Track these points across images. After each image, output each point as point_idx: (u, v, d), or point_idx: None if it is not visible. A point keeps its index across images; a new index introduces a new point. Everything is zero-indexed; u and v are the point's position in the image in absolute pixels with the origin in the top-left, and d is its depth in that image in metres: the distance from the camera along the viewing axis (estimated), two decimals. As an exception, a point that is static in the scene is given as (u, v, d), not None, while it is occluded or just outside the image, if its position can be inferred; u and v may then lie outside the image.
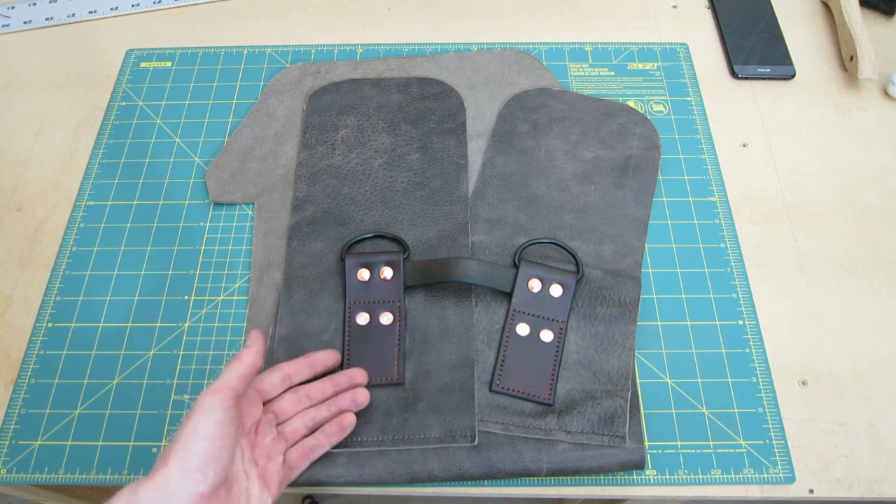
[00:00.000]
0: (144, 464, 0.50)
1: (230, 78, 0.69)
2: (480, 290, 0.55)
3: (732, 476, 0.49)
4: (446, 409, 0.50)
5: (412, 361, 0.52)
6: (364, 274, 0.55)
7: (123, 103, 0.68)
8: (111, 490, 0.39)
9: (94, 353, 0.54)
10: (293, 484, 0.48)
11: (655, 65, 0.70)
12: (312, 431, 0.48)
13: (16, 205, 0.62)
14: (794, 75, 0.69)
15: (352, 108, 0.65)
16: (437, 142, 0.63)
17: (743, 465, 0.49)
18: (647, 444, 0.50)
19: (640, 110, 0.66)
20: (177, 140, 0.65)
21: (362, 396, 0.49)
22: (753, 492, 0.49)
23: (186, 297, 0.57)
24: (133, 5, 0.75)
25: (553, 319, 0.53)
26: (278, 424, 0.47)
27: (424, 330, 0.54)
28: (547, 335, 0.53)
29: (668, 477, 0.49)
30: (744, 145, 0.65)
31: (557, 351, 0.52)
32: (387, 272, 0.55)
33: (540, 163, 0.62)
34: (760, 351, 0.54)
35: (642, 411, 0.51)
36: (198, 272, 0.58)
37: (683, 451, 0.50)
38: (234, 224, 0.60)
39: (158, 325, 0.55)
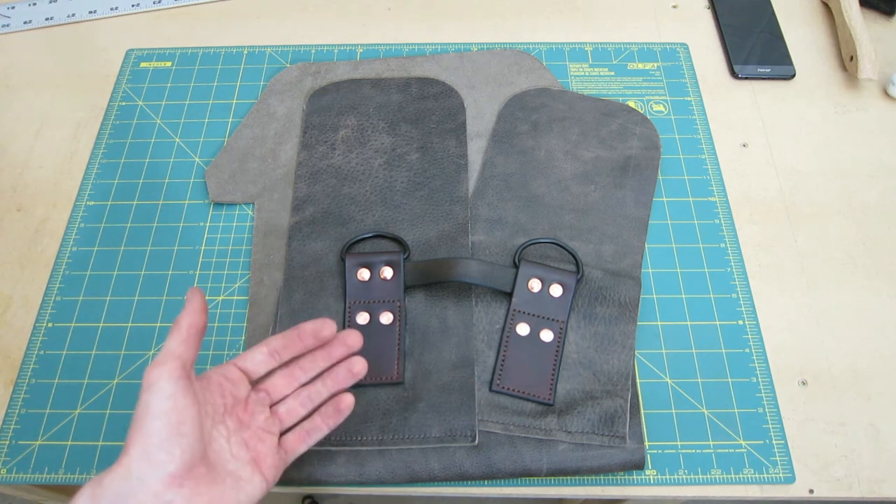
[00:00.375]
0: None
1: (230, 78, 0.69)
2: (480, 290, 0.55)
3: (732, 476, 0.49)
4: (446, 409, 0.50)
5: (412, 361, 0.52)
6: (364, 274, 0.55)
7: (123, 103, 0.68)
8: (82, 487, 0.38)
9: (94, 353, 0.54)
10: (293, 483, 0.48)
11: (655, 65, 0.70)
12: (310, 411, 0.45)
13: (16, 205, 0.62)
14: (794, 75, 0.69)
15: (352, 108, 0.65)
16: (437, 142, 0.63)
17: (743, 465, 0.49)
18: (647, 444, 0.50)
19: (640, 110, 0.66)
20: (177, 140, 0.65)
21: (359, 366, 0.46)
22: (753, 492, 0.49)
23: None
24: (133, 5, 0.75)
25: (553, 319, 0.53)
26: (272, 405, 0.44)
27: (424, 330, 0.54)
28: (547, 335, 0.53)
29: (668, 477, 0.49)
30: (744, 145, 0.65)
31: (557, 351, 0.52)
32: (387, 272, 0.55)
33: (540, 163, 0.62)
34: (760, 351, 0.54)
35: (642, 411, 0.51)
36: (198, 272, 0.58)
37: (683, 451, 0.50)
38: (234, 224, 0.60)
39: (158, 325, 0.55)
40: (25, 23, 0.74)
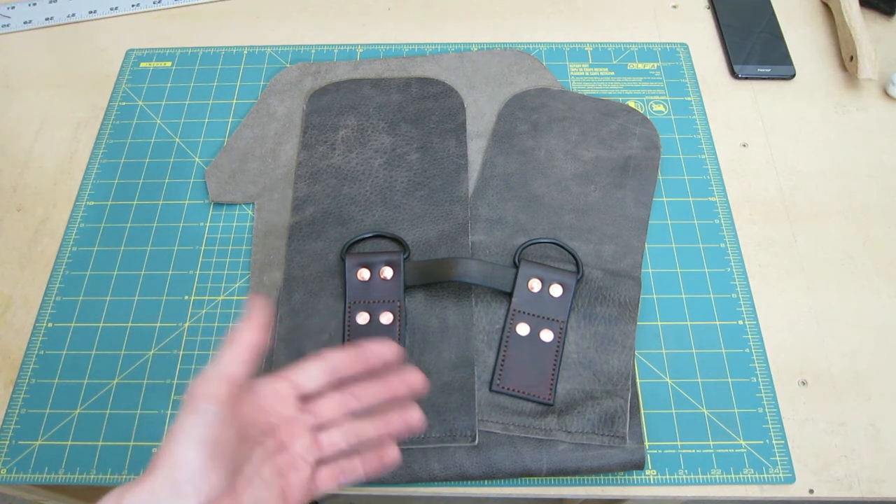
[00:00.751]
0: (144, 464, 0.50)
1: (230, 78, 0.69)
2: (480, 290, 0.55)
3: (732, 476, 0.49)
4: (446, 409, 0.50)
5: (412, 361, 0.52)
6: (364, 274, 0.55)
7: (123, 103, 0.68)
8: (111, 490, 0.38)
9: (94, 353, 0.54)
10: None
11: (655, 65, 0.70)
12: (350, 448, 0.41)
13: (16, 205, 0.62)
14: (794, 75, 0.69)
15: (352, 108, 0.65)
16: (437, 142, 0.63)
17: (743, 465, 0.49)
18: (647, 444, 0.50)
19: (640, 110, 0.66)
20: (177, 140, 0.65)
21: (416, 418, 0.41)
22: (753, 492, 0.49)
23: (186, 297, 0.57)
24: (133, 5, 0.75)
25: (553, 319, 0.53)
26: (315, 429, 0.40)
27: (424, 330, 0.54)
28: (547, 335, 0.53)
29: (668, 477, 0.49)
30: (744, 145, 0.65)
31: (557, 351, 0.52)
32: (387, 272, 0.55)
33: (540, 163, 0.62)
34: (760, 351, 0.54)
35: (642, 411, 0.51)
36: (198, 272, 0.58)
37: (683, 451, 0.50)
38: (234, 224, 0.60)
39: (158, 325, 0.55)
40: (25, 23, 0.74)
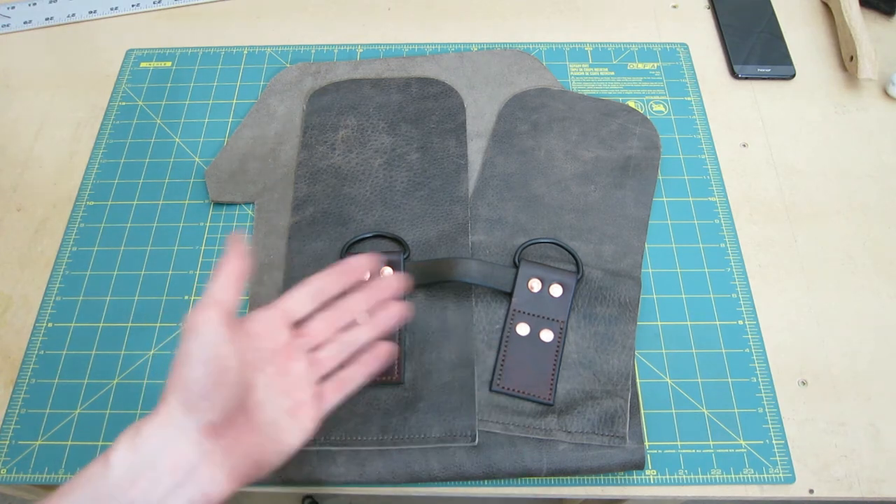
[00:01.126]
0: (144, 464, 0.50)
1: (230, 78, 0.69)
2: (480, 290, 0.55)
3: (732, 476, 0.49)
4: (446, 409, 0.50)
5: (412, 361, 0.52)
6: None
7: (123, 103, 0.68)
8: (125, 430, 0.37)
9: (94, 353, 0.54)
10: (293, 483, 0.48)
11: (655, 65, 0.70)
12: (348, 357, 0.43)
13: (16, 205, 0.62)
14: (794, 75, 0.69)
15: (352, 108, 0.65)
16: (437, 142, 0.63)
17: (743, 465, 0.49)
18: (647, 444, 0.50)
19: (640, 110, 0.66)
20: (177, 140, 0.65)
21: (401, 309, 0.44)
22: (753, 492, 0.49)
23: (186, 297, 0.57)
24: (133, 5, 0.75)
25: (553, 319, 0.53)
26: (312, 350, 0.42)
27: (424, 330, 0.54)
28: (547, 335, 0.53)
29: (668, 477, 0.49)
30: (744, 145, 0.65)
31: (557, 351, 0.52)
32: (387, 272, 0.55)
33: (540, 163, 0.62)
34: (760, 351, 0.54)
35: (642, 411, 0.51)
36: (198, 272, 0.58)
37: (683, 451, 0.50)
38: (234, 224, 0.60)
39: (158, 325, 0.55)
40: (25, 23, 0.74)
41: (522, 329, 0.53)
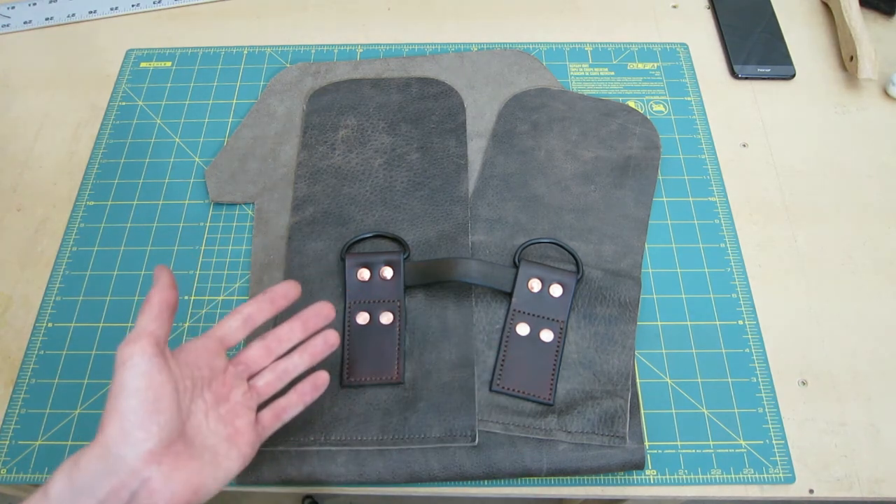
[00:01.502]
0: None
1: (230, 78, 0.69)
2: (480, 290, 0.55)
3: (732, 476, 0.49)
4: (446, 409, 0.50)
5: (412, 361, 0.52)
6: (364, 274, 0.55)
7: (123, 103, 0.68)
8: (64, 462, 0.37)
9: (94, 353, 0.54)
10: (293, 483, 0.48)
11: (655, 65, 0.70)
12: (286, 384, 0.45)
13: (16, 205, 0.62)
14: (794, 75, 0.69)
15: (352, 108, 0.65)
16: (437, 142, 0.63)
17: (743, 465, 0.49)
18: (647, 444, 0.50)
19: (640, 110, 0.66)
20: (177, 140, 0.65)
21: (333, 337, 0.46)
22: (753, 492, 0.49)
23: (186, 297, 0.57)
24: (133, 5, 0.75)
25: (553, 319, 0.53)
26: (250, 378, 0.44)
27: (424, 330, 0.54)
28: (547, 335, 0.53)
29: (668, 477, 0.49)
30: (744, 145, 0.65)
31: (557, 351, 0.52)
32: (387, 272, 0.55)
33: (540, 163, 0.62)
34: (760, 351, 0.54)
35: (642, 411, 0.51)
36: (198, 272, 0.58)
37: (683, 451, 0.50)
38: (234, 224, 0.60)
39: (158, 325, 0.55)
40: (25, 23, 0.74)
41: (522, 329, 0.53)
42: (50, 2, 0.76)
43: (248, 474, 0.48)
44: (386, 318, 0.54)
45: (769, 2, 0.75)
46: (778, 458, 0.50)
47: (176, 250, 0.59)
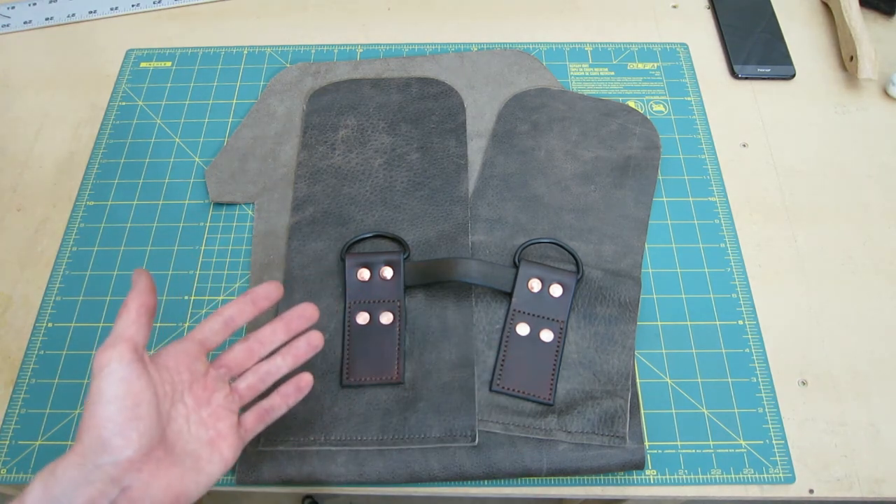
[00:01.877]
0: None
1: (230, 78, 0.69)
2: (480, 290, 0.55)
3: (732, 476, 0.49)
4: (446, 409, 0.50)
5: (412, 361, 0.52)
6: (364, 274, 0.55)
7: (123, 103, 0.68)
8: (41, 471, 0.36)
9: (93, 352, 0.54)
10: (293, 483, 0.48)
11: (655, 65, 0.70)
12: (269, 386, 0.44)
13: (16, 205, 0.62)
14: (794, 75, 0.69)
15: (352, 108, 0.65)
16: (437, 142, 0.63)
17: (743, 465, 0.49)
18: (647, 444, 0.50)
19: (640, 110, 0.66)
20: (177, 140, 0.65)
21: (316, 339, 0.45)
22: (753, 492, 0.49)
23: (186, 297, 0.57)
24: (133, 5, 0.75)
25: (553, 319, 0.53)
26: (231, 380, 0.43)
27: (424, 330, 0.54)
28: (547, 335, 0.53)
29: (668, 477, 0.49)
30: (744, 145, 0.65)
31: (557, 351, 0.52)
32: (387, 272, 0.55)
33: (540, 163, 0.62)
34: (760, 351, 0.54)
35: (642, 411, 0.51)
36: (198, 272, 0.58)
37: (683, 451, 0.50)
38: (234, 224, 0.60)
39: (158, 325, 0.55)
40: (25, 23, 0.74)
41: (522, 329, 0.53)
42: (50, 2, 0.76)
43: (248, 474, 0.48)
44: (386, 318, 0.54)
45: (769, 2, 0.75)
46: (778, 458, 0.50)
47: (176, 250, 0.59)
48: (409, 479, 0.48)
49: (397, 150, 0.63)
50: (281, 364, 0.44)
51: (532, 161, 0.62)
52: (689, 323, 0.55)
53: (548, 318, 0.53)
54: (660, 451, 0.50)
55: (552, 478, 0.49)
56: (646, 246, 0.59)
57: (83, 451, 0.35)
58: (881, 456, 0.50)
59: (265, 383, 0.44)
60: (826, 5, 0.75)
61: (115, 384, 0.35)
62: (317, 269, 0.56)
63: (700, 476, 0.49)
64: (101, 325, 0.55)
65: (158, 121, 0.67)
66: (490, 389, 0.51)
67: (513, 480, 0.49)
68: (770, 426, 0.51)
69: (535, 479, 0.49)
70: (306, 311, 0.46)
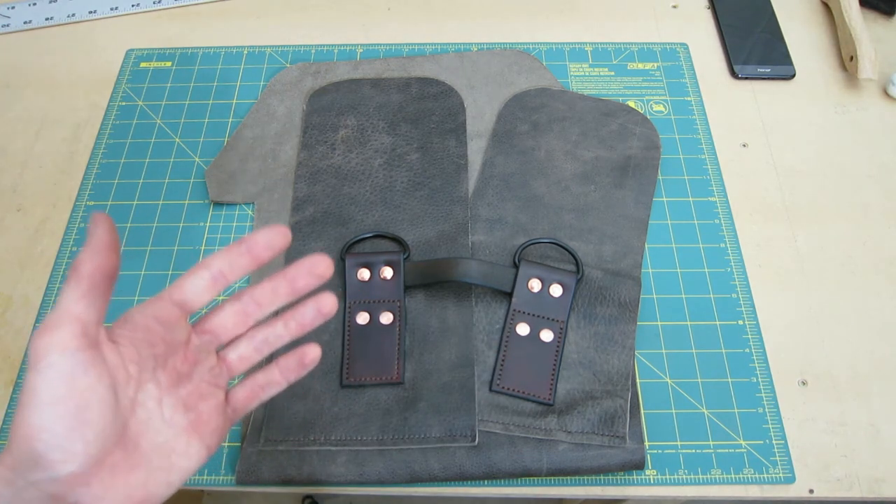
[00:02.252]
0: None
1: (230, 78, 0.69)
2: (480, 290, 0.55)
3: (732, 476, 0.49)
4: (446, 409, 0.50)
5: (412, 361, 0.52)
6: (364, 274, 0.55)
7: (123, 103, 0.68)
8: None
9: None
10: (293, 483, 0.48)
11: (655, 65, 0.70)
12: (266, 358, 0.36)
13: (16, 205, 0.62)
14: (794, 75, 0.69)
15: (352, 108, 0.65)
16: (437, 142, 0.63)
17: (743, 465, 0.49)
18: (647, 444, 0.50)
19: (640, 110, 0.66)
20: (177, 140, 0.65)
21: (328, 303, 0.36)
22: (753, 492, 0.49)
23: (186, 297, 0.56)
24: (133, 5, 0.75)
25: (553, 319, 0.53)
26: (219, 349, 0.35)
27: (424, 330, 0.54)
28: (547, 335, 0.53)
29: (668, 477, 0.49)
30: (744, 145, 0.65)
31: (557, 351, 0.52)
32: (387, 272, 0.55)
33: (540, 163, 0.62)
34: (760, 351, 0.54)
35: (642, 411, 0.51)
36: (198, 272, 0.58)
37: (683, 451, 0.50)
38: (234, 224, 0.60)
39: (158, 325, 0.55)
40: (25, 23, 0.74)
41: (522, 329, 0.53)
42: (50, 2, 0.76)
43: (248, 474, 0.48)
44: (386, 318, 0.54)
45: (769, 2, 0.75)
46: (778, 458, 0.50)
47: (176, 250, 0.59)
48: (409, 479, 0.48)
49: (397, 150, 0.63)
50: (282, 332, 0.36)
51: (532, 161, 0.62)
52: (689, 323, 0.55)
53: (548, 318, 0.53)
54: (660, 451, 0.50)
55: (552, 478, 0.49)
56: (646, 246, 0.59)
57: (13, 465, 0.27)
58: (881, 456, 0.50)
59: (261, 354, 0.36)
60: (826, 5, 0.75)
61: (55, 382, 0.27)
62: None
63: (700, 476, 0.49)
64: (101, 325, 0.55)
65: (158, 121, 0.67)
66: (490, 389, 0.51)
67: (513, 480, 0.49)
68: (770, 426, 0.51)
69: (535, 479, 0.49)
70: (317, 267, 0.35)
